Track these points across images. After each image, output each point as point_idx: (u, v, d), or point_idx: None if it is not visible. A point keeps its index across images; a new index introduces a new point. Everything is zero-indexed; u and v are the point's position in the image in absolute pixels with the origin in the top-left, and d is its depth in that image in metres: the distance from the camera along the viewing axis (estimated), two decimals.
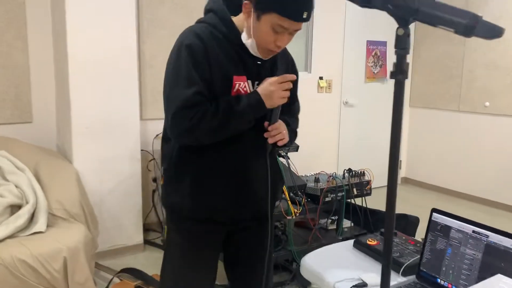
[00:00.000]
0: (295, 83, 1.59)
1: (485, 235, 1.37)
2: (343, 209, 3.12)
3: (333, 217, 3.19)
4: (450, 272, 1.44)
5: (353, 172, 3.09)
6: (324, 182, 2.97)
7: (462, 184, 5.01)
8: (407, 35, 0.83)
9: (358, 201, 3.18)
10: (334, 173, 3.09)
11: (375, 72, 5.07)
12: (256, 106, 1.38)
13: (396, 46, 0.85)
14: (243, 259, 1.65)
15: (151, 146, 3.72)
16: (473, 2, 4.69)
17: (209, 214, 1.49)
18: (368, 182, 3.16)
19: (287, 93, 1.40)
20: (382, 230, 1.85)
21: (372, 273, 1.55)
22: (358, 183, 3.08)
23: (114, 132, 3.22)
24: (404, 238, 1.80)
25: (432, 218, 1.54)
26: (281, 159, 2.82)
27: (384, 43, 5.07)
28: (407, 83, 5.42)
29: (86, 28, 2.98)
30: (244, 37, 1.40)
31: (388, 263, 0.89)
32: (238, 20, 1.44)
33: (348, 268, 1.61)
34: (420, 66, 5.36)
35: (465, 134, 4.92)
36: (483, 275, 1.36)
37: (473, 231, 1.41)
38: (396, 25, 0.87)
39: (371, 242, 1.75)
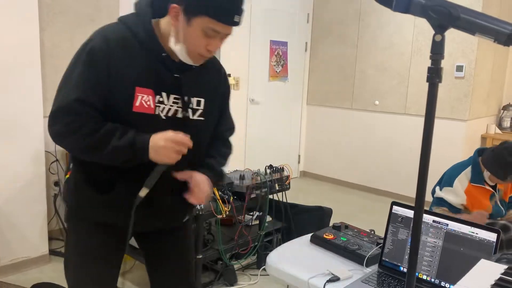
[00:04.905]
0: (225, 99, 1.57)
1: (445, 223, 1.52)
2: (267, 205, 3.19)
3: (252, 213, 3.24)
4: None
5: (274, 168, 3.17)
6: (249, 179, 2.99)
7: (354, 175, 5.45)
8: (443, 41, 0.88)
9: (278, 195, 3.27)
10: (258, 170, 3.14)
11: (278, 71, 5.24)
12: (138, 151, 1.28)
13: (432, 51, 0.88)
14: (161, 263, 1.60)
15: (53, 146, 3.36)
16: (364, 10, 5.11)
17: (111, 219, 1.41)
18: (288, 177, 3.28)
19: (178, 157, 1.29)
20: (335, 224, 1.93)
21: (340, 266, 1.61)
22: (279, 178, 3.17)
23: (14, 132, 2.84)
24: (356, 230, 1.90)
25: (393, 211, 1.65)
26: None
27: (285, 43, 5.26)
28: (304, 82, 5.71)
29: None
30: (172, 42, 1.31)
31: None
32: (163, 23, 1.35)
33: (315, 263, 1.65)
34: (316, 66, 5.67)
35: (357, 130, 5.36)
36: (444, 260, 1.50)
37: (434, 221, 1.54)
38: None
39: (328, 236, 1.82)
